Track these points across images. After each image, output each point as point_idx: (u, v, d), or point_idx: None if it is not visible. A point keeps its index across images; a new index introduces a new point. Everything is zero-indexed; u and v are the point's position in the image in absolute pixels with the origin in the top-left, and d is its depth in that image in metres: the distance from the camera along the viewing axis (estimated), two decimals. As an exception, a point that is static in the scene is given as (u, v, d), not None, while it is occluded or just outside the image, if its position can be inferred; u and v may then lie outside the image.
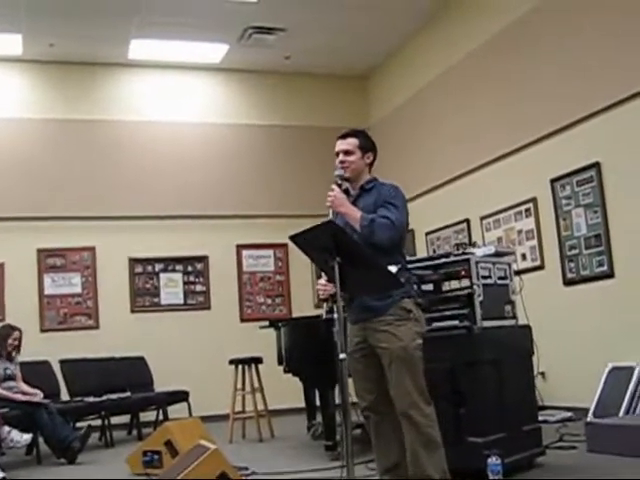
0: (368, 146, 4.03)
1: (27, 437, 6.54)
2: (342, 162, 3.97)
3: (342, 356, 3.37)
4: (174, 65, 10.35)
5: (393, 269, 3.63)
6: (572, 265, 7.20)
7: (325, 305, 3.65)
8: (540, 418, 5.55)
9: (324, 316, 5.08)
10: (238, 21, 9.16)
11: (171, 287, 10.17)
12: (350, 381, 3.71)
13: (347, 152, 3.97)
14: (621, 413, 5.80)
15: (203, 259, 10.30)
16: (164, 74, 10.41)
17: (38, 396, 7.10)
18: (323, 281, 3.83)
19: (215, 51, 10.05)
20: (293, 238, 3.53)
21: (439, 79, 9.35)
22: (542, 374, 7.16)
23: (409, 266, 4.06)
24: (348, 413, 3.40)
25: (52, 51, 9.51)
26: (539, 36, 7.53)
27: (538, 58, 7.54)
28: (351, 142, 3.98)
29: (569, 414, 6.83)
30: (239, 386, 7.76)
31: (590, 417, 5.90)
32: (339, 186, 3.91)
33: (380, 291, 3.71)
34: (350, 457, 3.32)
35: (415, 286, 3.99)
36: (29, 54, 9.53)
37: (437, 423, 3.76)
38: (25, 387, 7.22)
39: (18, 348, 7.35)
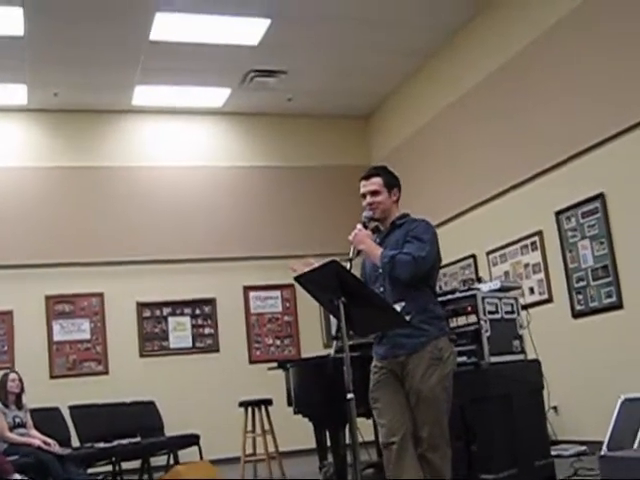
0: (392, 182, 4.00)
1: (39, 486, 6.51)
2: (370, 204, 3.93)
3: (350, 396, 3.33)
4: (177, 110, 10.45)
5: (398, 308, 3.63)
6: (580, 297, 7.17)
7: (335, 343, 3.62)
8: (554, 453, 5.51)
9: (332, 354, 5.03)
10: (239, 65, 9.26)
11: (179, 330, 10.15)
12: (360, 421, 3.68)
13: (374, 192, 3.93)
14: (635, 445, 5.73)
15: (211, 302, 10.29)
16: (168, 119, 10.50)
17: (55, 447, 7.05)
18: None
19: (217, 95, 10.15)
20: (298, 279, 3.53)
21: (440, 117, 9.40)
22: (554, 408, 7.10)
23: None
24: (358, 453, 3.38)
25: (56, 100, 9.62)
26: (540, 69, 7.57)
27: (539, 91, 7.59)
28: (376, 182, 3.95)
29: (583, 448, 6.75)
30: (249, 428, 7.73)
31: (604, 450, 5.83)
32: (365, 226, 3.88)
33: (385, 329, 3.69)
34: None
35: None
36: (34, 103, 9.64)
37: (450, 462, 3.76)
38: (39, 435, 7.17)
39: (22, 389, 7.31)
